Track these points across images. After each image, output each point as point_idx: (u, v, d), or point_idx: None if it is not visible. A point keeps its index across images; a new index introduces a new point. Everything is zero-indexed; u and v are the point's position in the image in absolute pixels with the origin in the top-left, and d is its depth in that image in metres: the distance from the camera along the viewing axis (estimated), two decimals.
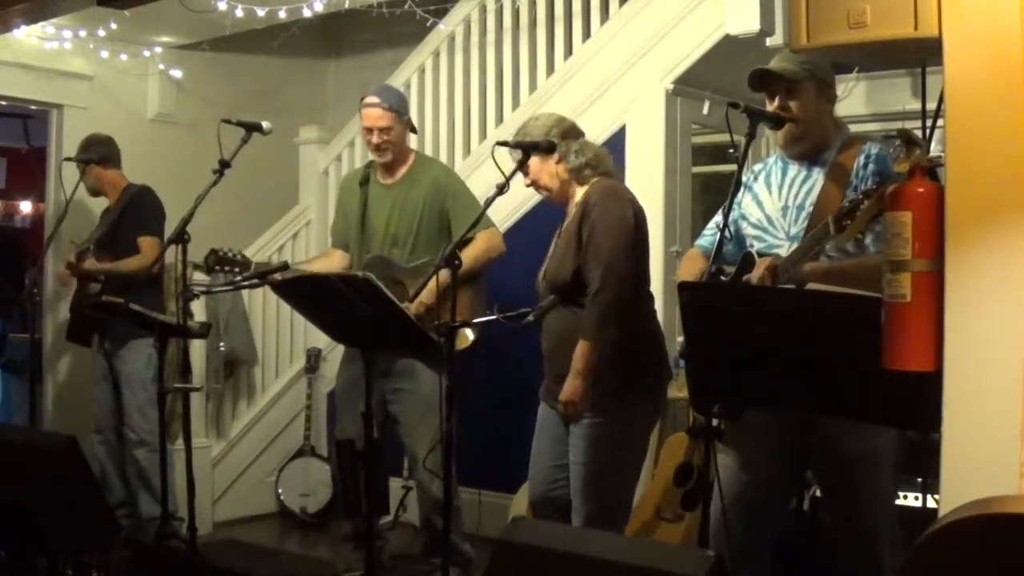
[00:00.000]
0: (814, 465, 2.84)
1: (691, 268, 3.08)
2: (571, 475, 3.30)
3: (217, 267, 3.99)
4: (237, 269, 3.96)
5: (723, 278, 2.92)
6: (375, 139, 4.08)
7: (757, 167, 3.08)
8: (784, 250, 2.82)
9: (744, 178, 3.06)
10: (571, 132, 3.46)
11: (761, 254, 2.82)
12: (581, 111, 4.69)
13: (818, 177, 2.85)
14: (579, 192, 3.40)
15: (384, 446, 3.97)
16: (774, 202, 2.92)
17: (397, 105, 4.08)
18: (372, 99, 4.08)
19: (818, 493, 3.45)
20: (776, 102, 2.85)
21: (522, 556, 2.09)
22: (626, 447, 3.30)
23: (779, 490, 2.78)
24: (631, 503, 3.46)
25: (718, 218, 3.06)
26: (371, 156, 4.23)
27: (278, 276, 3.62)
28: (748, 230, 2.99)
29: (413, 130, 4.26)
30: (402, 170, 4.16)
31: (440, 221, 4.07)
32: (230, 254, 3.98)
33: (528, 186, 3.48)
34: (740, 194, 3.02)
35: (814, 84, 2.83)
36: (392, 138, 4.07)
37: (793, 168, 2.92)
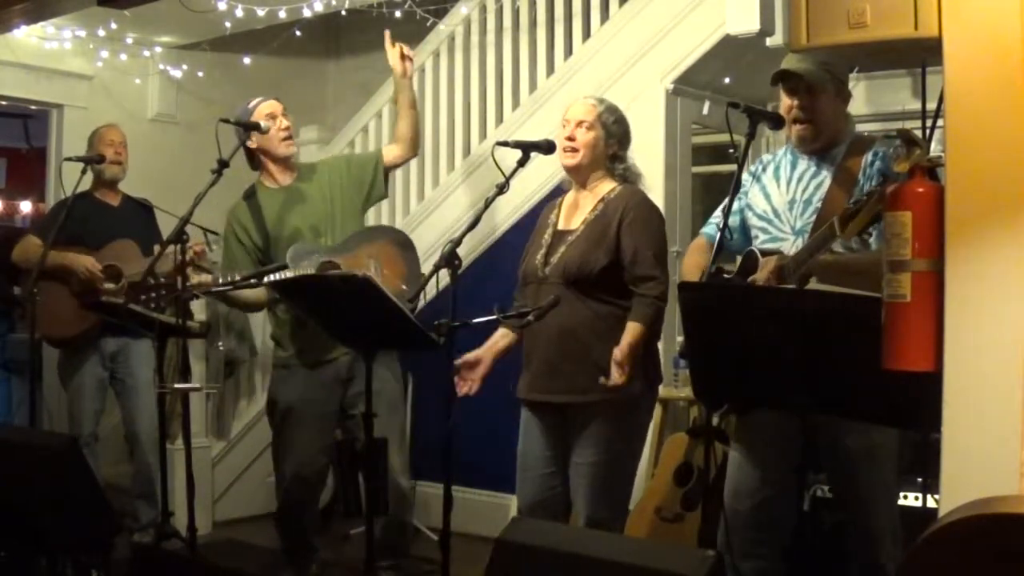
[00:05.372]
0: (823, 463, 2.85)
1: (697, 260, 3.08)
2: (575, 475, 3.29)
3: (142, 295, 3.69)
4: (164, 292, 3.66)
5: (725, 275, 2.92)
6: (284, 123, 3.99)
7: (766, 158, 3.07)
8: (788, 244, 2.82)
9: (752, 168, 3.07)
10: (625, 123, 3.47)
11: (764, 251, 2.81)
12: None
13: (827, 174, 2.84)
14: (604, 184, 3.38)
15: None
16: (781, 195, 2.92)
17: None
18: None
19: (819, 493, 3.46)
20: (796, 102, 2.84)
21: (522, 556, 2.09)
22: (632, 448, 3.34)
23: (788, 485, 2.77)
24: (629, 501, 3.46)
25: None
26: (282, 151, 4.01)
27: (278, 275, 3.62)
28: (753, 221, 2.98)
29: None
30: (292, 172, 4.06)
31: (355, 196, 4.07)
32: (150, 280, 3.67)
33: (567, 136, 3.35)
34: (747, 184, 3.02)
35: (833, 86, 2.83)
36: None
37: (803, 162, 2.91)
